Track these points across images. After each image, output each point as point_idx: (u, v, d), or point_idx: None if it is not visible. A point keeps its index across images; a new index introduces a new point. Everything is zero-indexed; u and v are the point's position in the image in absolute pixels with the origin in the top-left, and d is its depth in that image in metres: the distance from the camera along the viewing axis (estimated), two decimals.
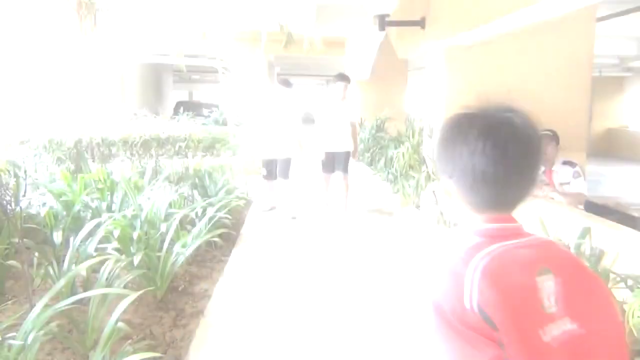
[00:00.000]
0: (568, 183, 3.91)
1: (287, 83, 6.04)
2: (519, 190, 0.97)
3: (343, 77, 6.02)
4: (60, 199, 4.26)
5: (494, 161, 0.92)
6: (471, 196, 0.97)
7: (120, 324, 2.52)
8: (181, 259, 3.58)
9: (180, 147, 5.98)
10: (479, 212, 0.98)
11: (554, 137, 3.96)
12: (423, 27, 4.78)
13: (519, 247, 0.93)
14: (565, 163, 3.96)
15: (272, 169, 6.08)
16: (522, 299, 0.86)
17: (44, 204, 4.65)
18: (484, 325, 0.83)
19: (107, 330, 2.37)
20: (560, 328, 0.86)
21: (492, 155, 0.91)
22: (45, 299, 2.39)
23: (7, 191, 4.42)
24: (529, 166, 0.96)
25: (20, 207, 4.25)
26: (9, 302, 3.22)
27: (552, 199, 3.73)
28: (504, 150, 0.92)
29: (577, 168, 3.92)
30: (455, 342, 0.84)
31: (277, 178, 6.13)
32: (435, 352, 0.87)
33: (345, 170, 6.18)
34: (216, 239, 4.10)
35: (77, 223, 4.00)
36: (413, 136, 5.90)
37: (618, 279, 2.60)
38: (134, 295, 2.52)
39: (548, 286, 0.88)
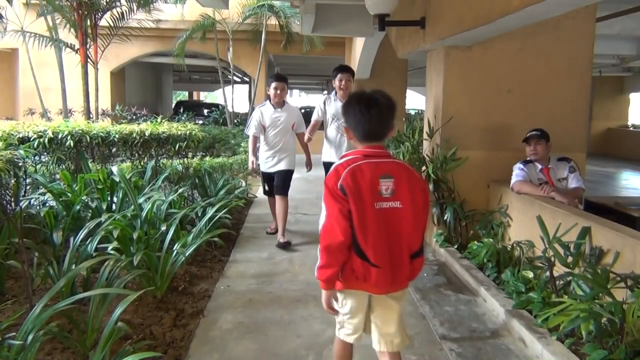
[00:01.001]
0: (565, 178, 4.01)
1: (281, 77, 5.08)
2: (379, 131, 1.98)
3: (341, 69, 4.99)
4: (60, 199, 4.26)
5: (364, 115, 1.95)
6: (355, 134, 2.01)
7: (120, 324, 2.52)
8: (181, 259, 3.58)
9: (180, 147, 5.95)
10: (361, 142, 2.01)
11: (544, 136, 4.03)
12: (423, 27, 4.78)
13: (378, 163, 1.94)
14: (560, 159, 4.10)
15: (272, 186, 5.17)
16: (365, 186, 1.89)
17: (44, 204, 4.65)
18: (342, 194, 1.88)
19: (107, 330, 2.37)
20: (389, 204, 1.92)
21: (364, 112, 1.95)
22: (45, 299, 2.38)
23: (7, 191, 4.43)
24: (385, 118, 1.97)
25: (20, 207, 4.27)
26: (9, 302, 3.21)
27: (553, 198, 3.74)
28: (369, 110, 1.95)
29: (572, 163, 4.06)
30: (330, 199, 1.91)
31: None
32: (325, 206, 1.94)
33: None
34: (216, 239, 4.09)
35: (77, 223, 4.00)
36: (413, 136, 5.89)
37: (618, 279, 2.60)
38: (134, 295, 2.52)
39: (387, 183, 1.91)
